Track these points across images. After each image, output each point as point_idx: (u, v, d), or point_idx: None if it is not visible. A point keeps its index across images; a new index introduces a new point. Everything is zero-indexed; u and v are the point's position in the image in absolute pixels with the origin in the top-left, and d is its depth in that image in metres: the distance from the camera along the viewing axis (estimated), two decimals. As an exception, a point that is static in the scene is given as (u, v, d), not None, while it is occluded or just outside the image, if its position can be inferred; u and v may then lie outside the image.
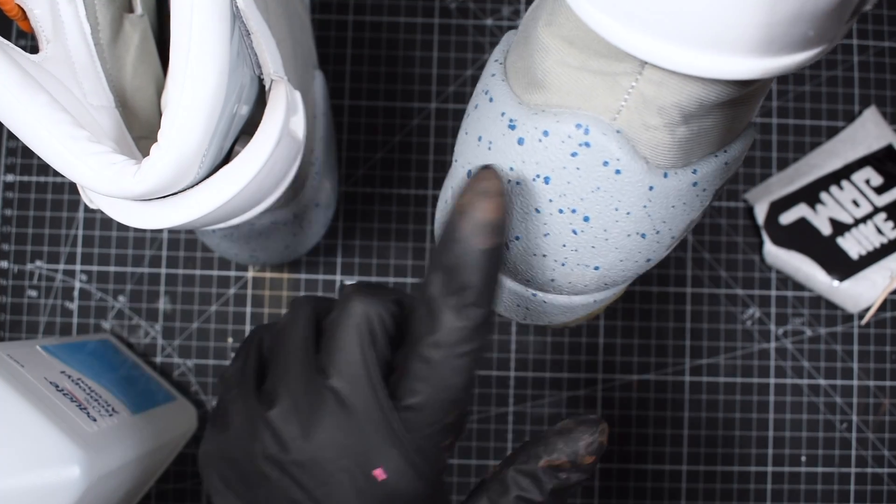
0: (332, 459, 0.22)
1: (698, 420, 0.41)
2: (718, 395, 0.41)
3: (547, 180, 0.21)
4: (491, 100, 0.22)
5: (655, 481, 0.40)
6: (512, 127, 0.21)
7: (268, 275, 0.41)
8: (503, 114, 0.21)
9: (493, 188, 0.20)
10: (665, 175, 0.20)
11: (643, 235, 0.22)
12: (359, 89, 0.42)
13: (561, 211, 0.21)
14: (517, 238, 0.23)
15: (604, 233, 0.21)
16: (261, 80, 0.27)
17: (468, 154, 0.23)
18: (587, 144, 0.19)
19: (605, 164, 0.20)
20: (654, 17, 0.16)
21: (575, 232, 0.21)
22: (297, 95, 0.28)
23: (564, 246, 0.22)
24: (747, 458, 0.40)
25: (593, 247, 0.22)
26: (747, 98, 0.20)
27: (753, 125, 0.23)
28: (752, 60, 0.17)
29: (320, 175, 0.35)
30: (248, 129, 0.26)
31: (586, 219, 0.21)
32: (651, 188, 0.20)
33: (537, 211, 0.21)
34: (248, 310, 0.41)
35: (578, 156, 0.20)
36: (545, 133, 0.20)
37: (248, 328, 0.41)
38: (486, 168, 0.21)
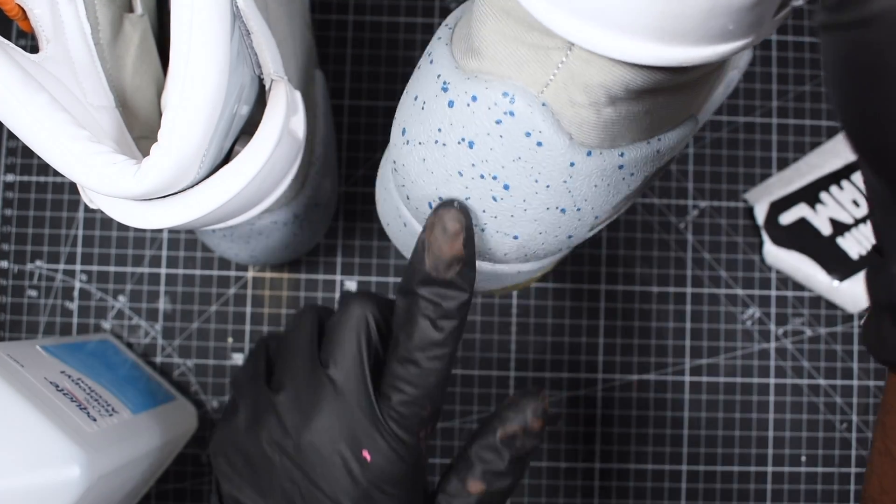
0: (328, 443, 0.25)
1: (698, 420, 0.41)
2: (718, 395, 0.41)
3: (471, 145, 0.21)
4: (431, 62, 0.22)
5: (655, 481, 0.40)
6: (445, 89, 0.21)
7: (268, 275, 0.41)
8: (439, 76, 0.21)
9: (453, 229, 0.22)
10: (588, 153, 0.21)
11: (563, 210, 0.22)
12: (359, 89, 0.42)
13: (482, 176, 0.21)
14: (440, 199, 0.23)
15: (523, 202, 0.22)
16: (261, 80, 0.27)
17: (403, 112, 0.23)
18: (511, 114, 0.20)
19: (528, 134, 0.20)
20: None
21: (495, 199, 0.22)
22: (297, 95, 0.28)
23: (484, 212, 0.22)
24: (747, 458, 0.40)
25: (512, 216, 0.22)
26: (682, 87, 0.20)
27: (694, 118, 0.23)
28: (668, 48, 0.17)
29: (320, 175, 0.35)
30: (248, 129, 0.26)
31: (506, 187, 0.21)
32: (572, 164, 0.21)
33: (460, 174, 0.22)
34: (248, 310, 0.41)
35: (502, 123, 0.20)
36: (473, 98, 0.20)
37: (248, 328, 0.41)
38: (446, 206, 0.23)
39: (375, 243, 0.41)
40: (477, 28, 0.20)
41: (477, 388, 0.41)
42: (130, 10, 0.28)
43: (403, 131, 0.23)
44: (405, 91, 0.24)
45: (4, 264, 0.41)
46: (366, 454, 0.24)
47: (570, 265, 0.41)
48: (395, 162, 0.24)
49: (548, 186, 0.21)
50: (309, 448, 0.25)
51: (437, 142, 0.22)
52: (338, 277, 0.41)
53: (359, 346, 0.26)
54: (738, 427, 0.40)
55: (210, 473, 0.40)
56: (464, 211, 0.22)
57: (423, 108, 0.22)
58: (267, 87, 0.27)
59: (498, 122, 0.20)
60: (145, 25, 0.28)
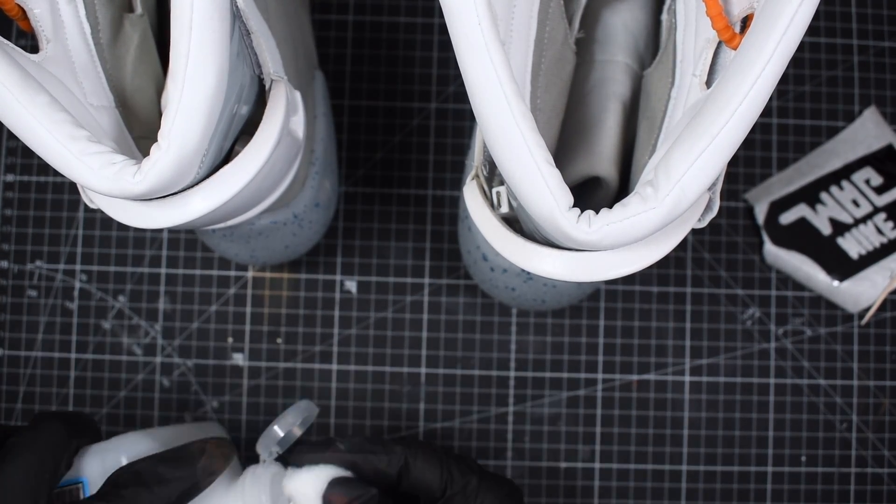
0: None
1: (698, 420, 0.41)
2: (718, 395, 0.41)
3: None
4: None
5: (655, 481, 0.40)
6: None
7: (268, 275, 0.41)
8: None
9: None
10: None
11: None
12: (359, 89, 0.42)
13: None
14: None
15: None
16: (261, 80, 0.27)
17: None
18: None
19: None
20: None
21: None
22: (297, 95, 0.28)
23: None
24: (747, 458, 0.40)
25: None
26: None
27: None
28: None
29: (320, 175, 0.35)
30: (248, 129, 0.26)
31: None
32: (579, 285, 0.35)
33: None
34: (248, 310, 0.41)
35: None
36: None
37: (248, 328, 0.41)
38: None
39: (375, 243, 0.41)
40: None
41: (477, 388, 0.41)
42: (130, 10, 0.28)
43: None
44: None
45: (4, 264, 0.41)
46: None
47: (570, 265, 0.41)
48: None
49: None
50: None
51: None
52: (338, 277, 0.41)
53: (42, 457, 0.27)
54: (738, 427, 0.40)
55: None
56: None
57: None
58: (267, 87, 0.27)
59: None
60: (145, 25, 0.28)
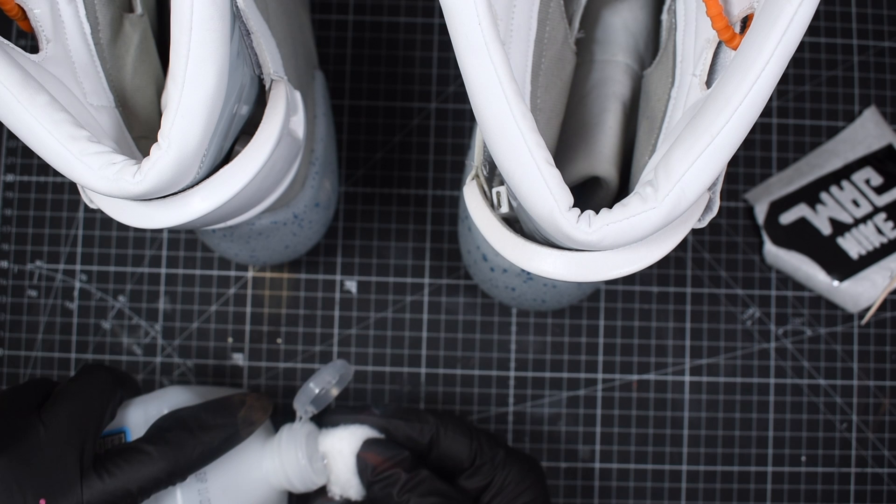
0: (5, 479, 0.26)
1: (698, 420, 0.41)
2: (718, 395, 0.41)
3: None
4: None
5: (655, 481, 0.40)
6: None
7: (268, 275, 0.41)
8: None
9: None
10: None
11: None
12: (359, 89, 0.42)
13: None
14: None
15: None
16: (261, 80, 0.27)
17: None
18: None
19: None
20: None
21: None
22: (297, 95, 0.28)
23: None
24: (747, 458, 0.40)
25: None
26: None
27: None
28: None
29: (320, 175, 0.35)
30: (248, 129, 0.26)
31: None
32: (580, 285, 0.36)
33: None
34: (248, 310, 0.41)
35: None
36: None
37: (248, 328, 0.41)
38: None
39: (375, 243, 0.41)
40: None
41: (477, 388, 0.41)
42: (130, 10, 0.28)
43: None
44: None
45: (4, 264, 0.41)
46: (43, 502, 0.25)
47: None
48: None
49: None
50: None
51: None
52: (338, 277, 0.41)
53: (89, 403, 0.27)
54: (738, 427, 0.40)
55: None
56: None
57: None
58: (267, 87, 0.27)
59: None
60: (145, 25, 0.28)
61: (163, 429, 0.29)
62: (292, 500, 0.37)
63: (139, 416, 0.31)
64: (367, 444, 0.32)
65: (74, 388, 0.28)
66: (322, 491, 0.34)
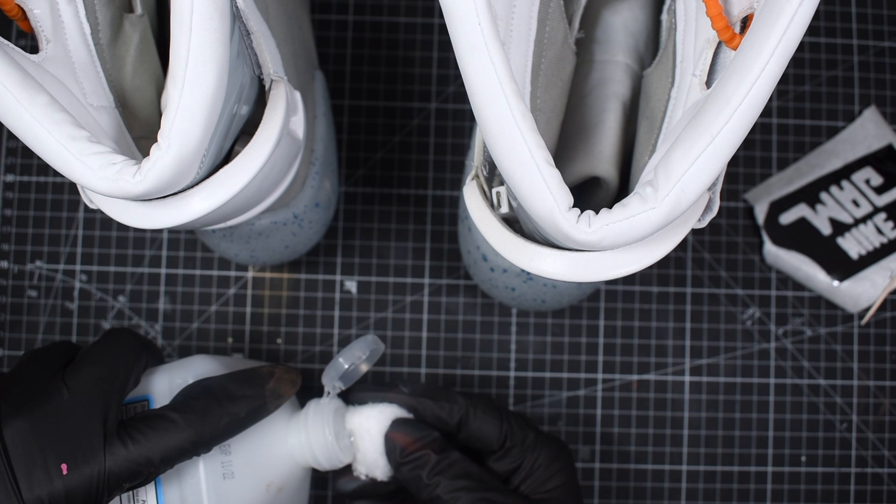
0: (27, 442, 0.25)
1: (698, 420, 0.41)
2: (718, 395, 0.41)
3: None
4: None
5: (655, 481, 0.40)
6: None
7: (268, 275, 0.41)
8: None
9: None
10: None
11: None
12: (359, 89, 0.42)
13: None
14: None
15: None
16: (261, 80, 0.27)
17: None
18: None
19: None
20: None
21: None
22: (297, 95, 0.28)
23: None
24: (747, 458, 0.40)
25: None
26: None
27: None
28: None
29: (320, 175, 0.35)
30: (248, 129, 0.26)
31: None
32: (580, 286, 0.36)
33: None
34: (248, 310, 0.41)
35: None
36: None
37: (248, 328, 0.41)
38: None
39: (375, 243, 0.41)
40: None
41: (477, 389, 0.41)
42: (130, 10, 0.28)
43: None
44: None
45: (4, 264, 0.41)
46: (64, 468, 0.24)
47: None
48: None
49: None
50: (8, 440, 0.24)
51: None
52: (338, 277, 0.41)
53: (113, 367, 0.26)
54: (738, 427, 0.40)
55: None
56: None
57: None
58: (267, 87, 0.27)
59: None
60: (145, 25, 0.28)
61: (190, 397, 0.28)
62: (315, 477, 0.37)
63: (164, 385, 0.30)
64: (396, 424, 0.32)
65: (99, 351, 0.27)
66: (347, 470, 0.33)
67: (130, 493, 0.28)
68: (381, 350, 0.33)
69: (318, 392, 0.34)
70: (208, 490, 0.28)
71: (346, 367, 0.32)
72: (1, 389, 0.26)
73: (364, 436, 0.32)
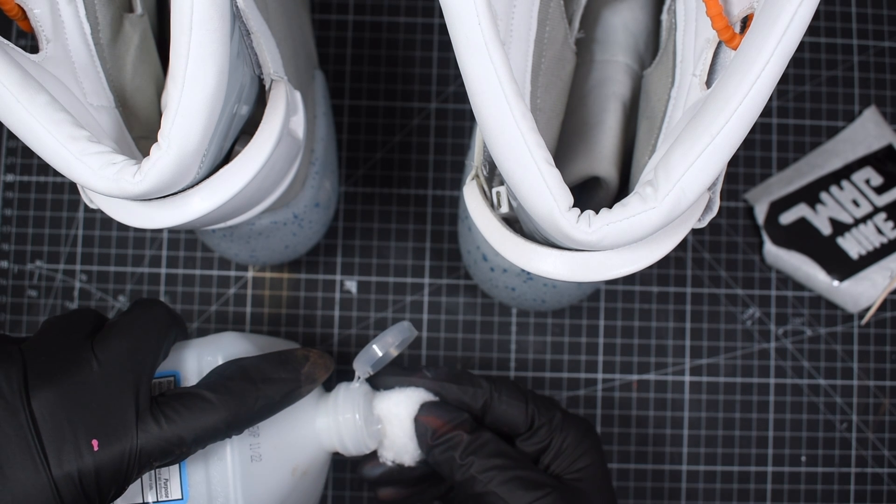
0: (56, 415, 0.24)
1: (698, 420, 0.41)
2: (718, 395, 0.41)
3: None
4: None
5: (655, 481, 0.40)
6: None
7: (268, 275, 0.41)
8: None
9: None
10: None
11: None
12: (359, 89, 0.42)
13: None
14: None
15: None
16: (261, 80, 0.27)
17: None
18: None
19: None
20: None
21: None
22: (297, 95, 0.28)
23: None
24: (747, 458, 0.40)
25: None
26: None
27: None
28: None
29: (320, 175, 0.35)
30: (248, 129, 0.27)
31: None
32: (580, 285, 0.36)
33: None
34: (248, 310, 0.41)
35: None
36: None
37: (248, 328, 0.41)
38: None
39: (375, 243, 0.41)
40: None
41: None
42: (130, 10, 0.28)
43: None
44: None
45: (4, 264, 0.41)
46: (95, 443, 0.23)
47: (570, 265, 0.41)
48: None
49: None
50: (37, 412, 0.23)
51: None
52: (338, 277, 0.41)
53: (144, 340, 0.25)
54: (738, 427, 0.40)
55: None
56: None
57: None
58: (267, 87, 0.27)
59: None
60: (145, 25, 0.28)
61: (224, 377, 0.27)
62: (335, 460, 0.36)
63: (192, 361, 0.29)
64: (426, 408, 0.31)
65: (129, 322, 0.26)
66: (371, 456, 0.33)
67: (154, 470, 0.27)
68: (412, 337, 0.33)
69: (327, 385, 0.34)
70: (234, 472, 0.28)
71: (380, 354, 0.32)
72: (26, 358, 0.24)
73: (393, 420, 0.32)
